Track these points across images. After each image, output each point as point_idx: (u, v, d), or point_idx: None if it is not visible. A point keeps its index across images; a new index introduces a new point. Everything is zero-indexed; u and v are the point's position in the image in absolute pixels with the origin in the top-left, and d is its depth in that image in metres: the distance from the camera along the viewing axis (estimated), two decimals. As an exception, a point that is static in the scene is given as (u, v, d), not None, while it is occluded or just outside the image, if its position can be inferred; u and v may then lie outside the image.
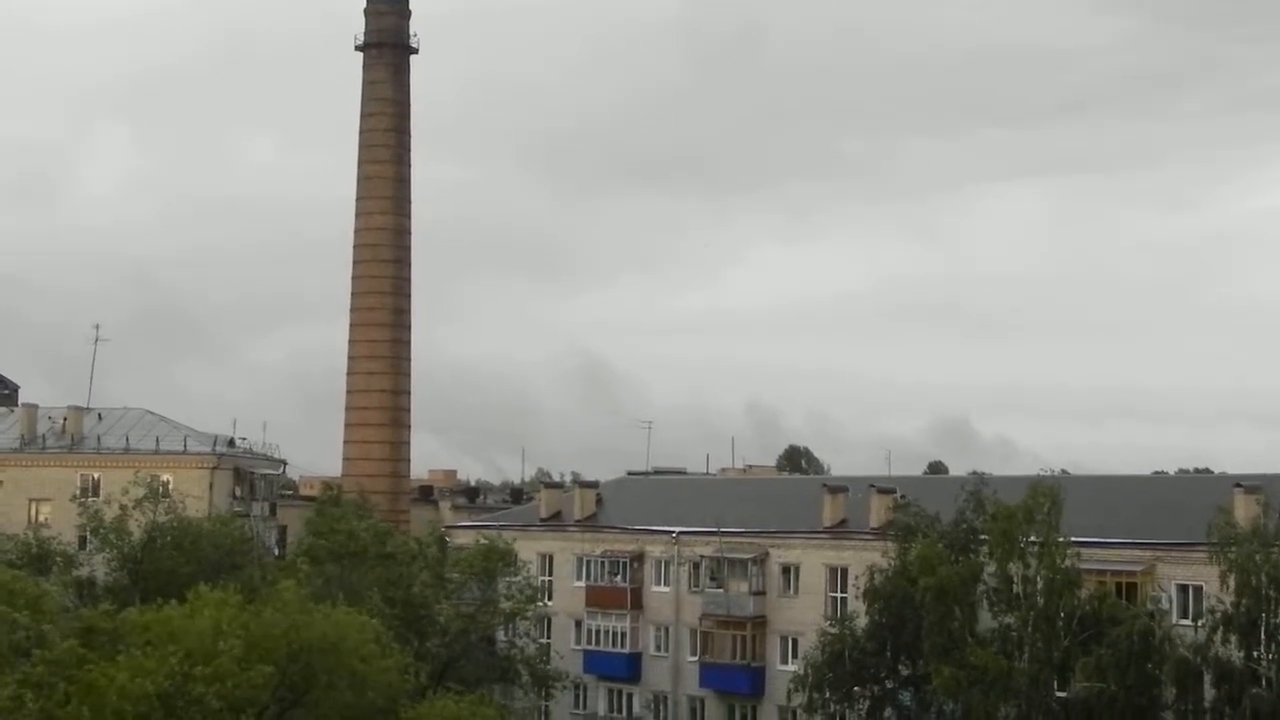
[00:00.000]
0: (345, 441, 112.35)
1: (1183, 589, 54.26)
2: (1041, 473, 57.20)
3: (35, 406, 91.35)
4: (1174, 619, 52.57)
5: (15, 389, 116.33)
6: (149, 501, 63.31)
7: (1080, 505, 53.47)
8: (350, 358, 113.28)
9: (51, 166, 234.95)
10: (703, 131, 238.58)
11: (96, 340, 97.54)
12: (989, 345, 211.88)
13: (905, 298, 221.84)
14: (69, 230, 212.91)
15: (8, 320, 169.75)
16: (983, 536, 52.42)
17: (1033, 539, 50.50)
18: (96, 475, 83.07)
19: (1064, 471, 68.02)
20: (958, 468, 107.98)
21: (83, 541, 69.92)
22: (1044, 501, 50.48)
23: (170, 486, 68.90)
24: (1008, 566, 50.88)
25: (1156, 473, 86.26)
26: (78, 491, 79.26)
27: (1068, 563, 50.61)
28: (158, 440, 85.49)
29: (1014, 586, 50.93)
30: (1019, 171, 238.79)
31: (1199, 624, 50.26)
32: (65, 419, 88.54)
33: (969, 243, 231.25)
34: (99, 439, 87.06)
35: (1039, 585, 50.57)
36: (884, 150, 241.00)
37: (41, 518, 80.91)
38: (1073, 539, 51.11)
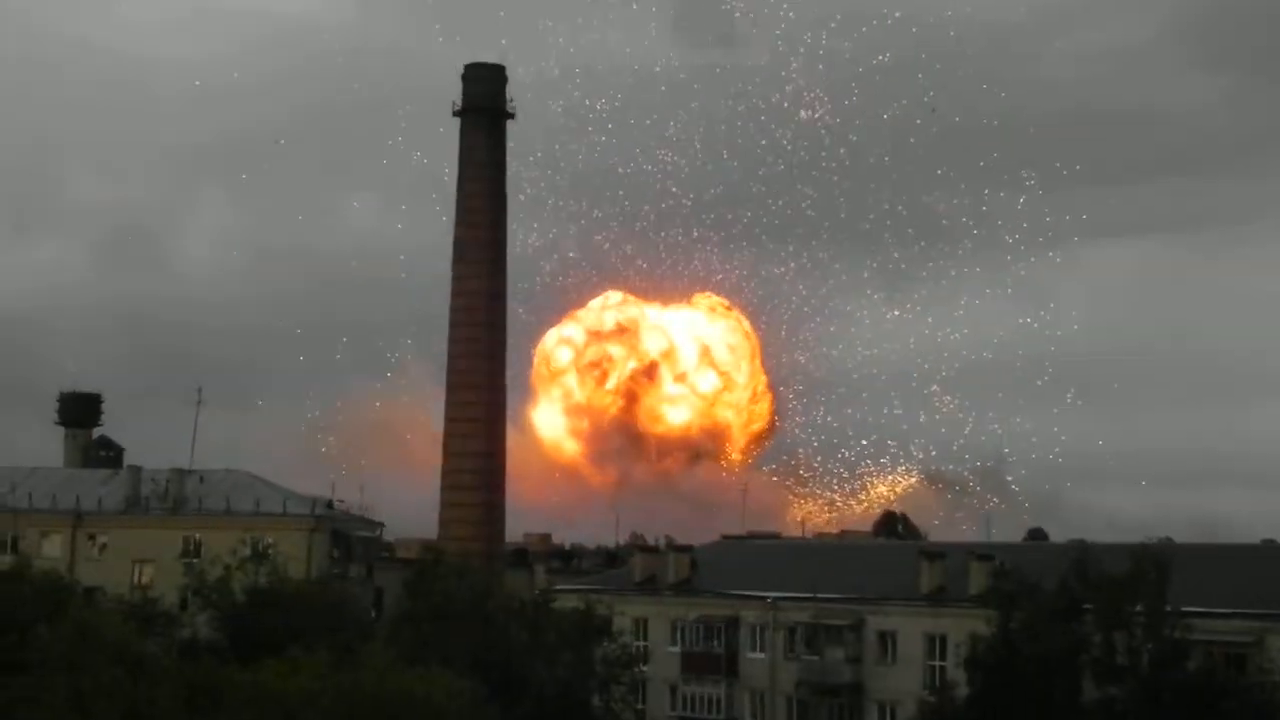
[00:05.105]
0: (441, 504, 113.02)
1: (1294, 661, 52.86)
2: (1146, 540, 56.20)
3: (139, 469, 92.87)
4: (1286, 692, 51.19)
5: (120, 451, 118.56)
6: (252, 563, 63.91)
7: (1186, 574, 52.36)
8: (448, 420, 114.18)
9: (151, 228, 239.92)
10: (796, 188, 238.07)
11: (199, 403, 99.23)
12: (1086, 406, 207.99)
13: (1001, 357, 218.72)
14: (168, 292, 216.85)
15: (113, 383, 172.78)
16: (1086, 605, 51.55)
17: (1138, 608, 49.57)
18: (198, 537, 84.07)
19: (1168, 539, 66.72)
20: (1057, 535, 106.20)
21: (183, 603, 70.79)
22: (1150, 570, 49.61)
23: (273, 548, 69.78)
24: (1112, 636, 49.97)
25: (1265, 541, 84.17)
26: (180, 552, 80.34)
27: (1175, 633, 49.58)
28: (257, 502, 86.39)
29: (1118, 657, 49.98)
30: (1118, 230, 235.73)
31: (1312, 698, 48.95)
32: (168, 481, 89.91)
33: (1068, 301, 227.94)
34: (200, 501, 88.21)
35: (1145, 656, 49.59)
36: (983, 207, 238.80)
37: (144, 579, 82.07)
38: (1179, 608, 50.13)
